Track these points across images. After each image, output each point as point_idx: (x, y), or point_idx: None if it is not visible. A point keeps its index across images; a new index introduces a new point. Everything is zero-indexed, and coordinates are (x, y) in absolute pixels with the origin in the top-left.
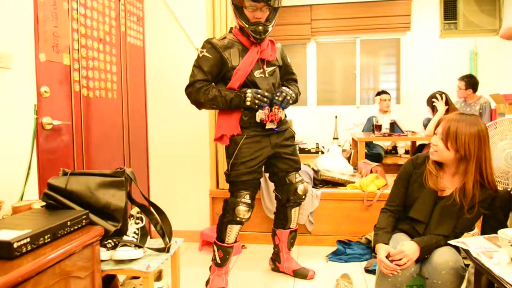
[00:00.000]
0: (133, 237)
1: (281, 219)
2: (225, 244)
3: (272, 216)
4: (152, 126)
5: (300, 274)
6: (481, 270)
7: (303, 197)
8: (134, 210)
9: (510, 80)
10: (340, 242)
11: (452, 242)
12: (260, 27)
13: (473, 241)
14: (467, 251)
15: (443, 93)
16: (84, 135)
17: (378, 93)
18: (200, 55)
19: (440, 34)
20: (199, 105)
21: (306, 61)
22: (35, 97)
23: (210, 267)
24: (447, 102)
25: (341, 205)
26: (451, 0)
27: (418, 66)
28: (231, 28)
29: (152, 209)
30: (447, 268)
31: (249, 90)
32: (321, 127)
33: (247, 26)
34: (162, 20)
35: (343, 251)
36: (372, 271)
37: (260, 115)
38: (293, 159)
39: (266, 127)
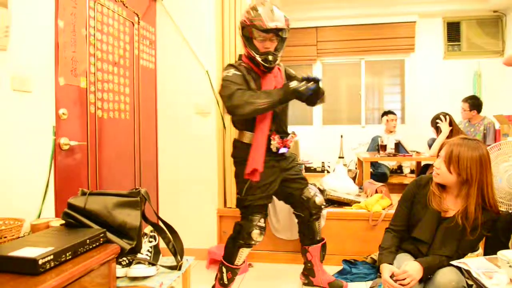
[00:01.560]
0: (147, 255)
1: (308, 234)
2: (234, 266)
3: (279, 236)
4: (162, 146)
5: (336, 285)
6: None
7: (322, 207)
8: (148, 229)
9: None
10: (346, 261)
11: (454, 262)
12: (270, 57)
13: (474, 262)
14: (468, 272)
15: (447, 114)
16: (98, 155)
17: (385, 113)
18: (230, 74)
19: (444, 56)
20: (246, 107)
21: None
22: (54, 119)
23: (213, 286)
24: (451, 123)
25: (347, 224)
26: (454, 23)
27: (422, 87)
28: (240, 56)
29: (164, 228)
30: (448, 285)
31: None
32: (327, 146)
33: (257, 56)
34: (173, 44)
35: (348, 271)
36: None
37: (275, 144)
38: (301, 177)
39: (280, 152)
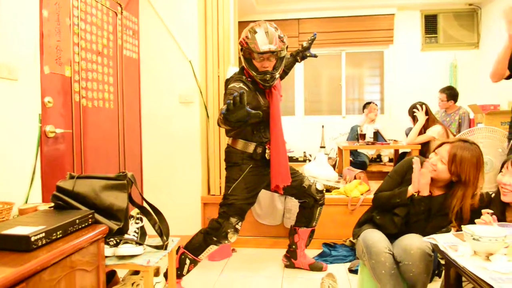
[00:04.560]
0: (134, 235)
1: (306, 217)
2: (198, 259)
3: (262, 221)
4: (146, 135)
5: (316, 267)
6: (448, 262)
7: (324, 192)
8: (134, 211)
9: (486, 92)
10: (325, 244)
11: (424, 238)
12: (268, 76)
13: (441, 237)
14: (435, 245)
15: (423, 103)
16: (82, 143)
17: (367, 104)
18: (237, 86)
19: (421, 48)
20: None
21: (294, 72)
22: (40, 107)
23: (165, 273)
24: (427, 112)
25: (327, 209)
26: (431, 15)
27: (401, 78)
28: (242, 68)
29: (150, 210)
30: (415, 248)
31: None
32: (309, 136)
33: (255, 74)
34: (156, 34)
35: (328, 253)
36: (355, 271)
37: (269, 153)
38: (295, 171)
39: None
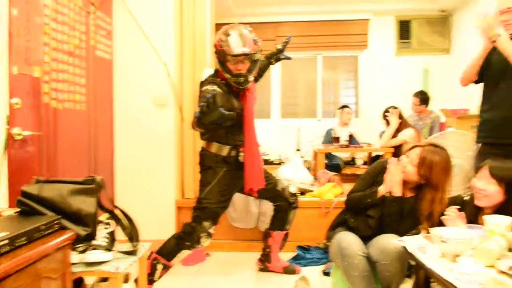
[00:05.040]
0: (103, 241)
1: (280, 220)
2: (170, 264)
3: (236, 225)
4: (119, 137)
5: (290, 270)
6: (417, 264)
7: (297, 195)
8: (103, 216)
9: (457, 96)
10: (300, 247)
11: (393, 241)
12: (241, 79)
13: (411, 239)
14: (404, 248)
15: (396, 107)
16: (52, 145)
17: (342, 107)
18: (210, 89)
19: (395, 53)
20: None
21: (270, 75)
22: (7, 109)
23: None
24: (400, 116)
25: (301, 212)
26: (405, 21)
27: (375, 82)
28: (217, 71)
29: (120, 215)
30: (392, 248)
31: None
32: (285, 139)
33: (229, 77)
34: (130, 35)
35: (302, 256)
36: (328, 274)
37: (243, 156)
38: (269, 175)
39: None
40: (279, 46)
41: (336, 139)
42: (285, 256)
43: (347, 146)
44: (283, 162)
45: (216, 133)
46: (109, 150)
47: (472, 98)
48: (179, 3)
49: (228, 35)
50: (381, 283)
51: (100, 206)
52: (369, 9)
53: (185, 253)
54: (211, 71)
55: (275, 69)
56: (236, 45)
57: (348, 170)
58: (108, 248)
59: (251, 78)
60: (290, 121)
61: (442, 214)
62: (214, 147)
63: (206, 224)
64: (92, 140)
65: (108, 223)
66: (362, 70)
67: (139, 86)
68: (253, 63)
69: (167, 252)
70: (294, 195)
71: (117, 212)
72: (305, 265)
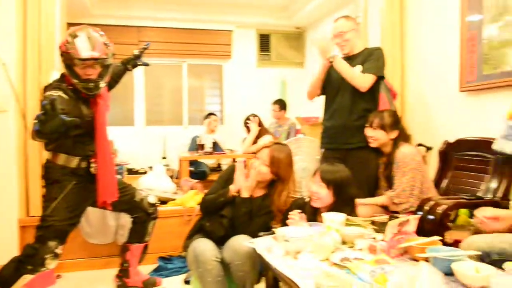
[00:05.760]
0: None
1: (138, 232)
2: None
3: (92, 241)
4: None
5: (150, 283)
6: (265, 264)
7: (156, 205)
8: None
9: (310, 105)
10: (161, 258)
11: (245, 243)
12: (91, 84)
13: (260, 240)
14: (254, 249)
15: (256, 115)
16: None
17: (208, 115)
18: (55, 94)
19: (256, 64)
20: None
21: (133, 81)
22: None
23: None
24: (260, 124)
25: (163, 222)
26: (265, 35)
27: (238, 91)
28: (63, 76)
29: None
30: (243, 247)
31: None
32: (150, 147)
33: (77, 82)
34: None
35: (164, 267)
36: (189, 282)
37: (96, 167)
38: (125, 185)
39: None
40: (136, 52)
41: (201, 146)
42: (146, 268)
43: (211, 153)
44: (147, 172)
45: (63, 143)
46: None
47: (322, 107)
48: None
49: (75, 37)
50: (237, 284)
51: None
52: (232, 20)
53: (27, 278)
54: (58, 75)
55: (138, 75)
56: (83, 48)
57: (214, 176)
58: None
59: (102, 84)
60: (155, 129)
61: (289, 209)
62: (61, 159)
63: (51, 244)
64: None
65: None
66: (227, 79)
67: None
68: (104, 68)
69: (4, 280)
70: (153, 205)
71: None
72: (167, 276)
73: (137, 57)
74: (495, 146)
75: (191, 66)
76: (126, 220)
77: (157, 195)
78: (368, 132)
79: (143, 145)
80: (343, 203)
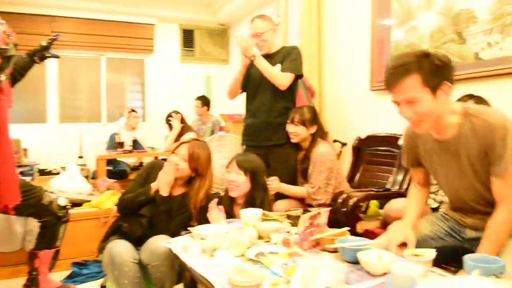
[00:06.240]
0: None
1: (48, 237)
2: None
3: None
4: None
5: None
6: (181, 264)
7: (67, 207)
8: None
9: (235, 103)
10: (75, 264)
11: (162, 243)
12: None
13: (178, 240)
14: (170, 249)
15: (179, 112)
16: None
17: (129, 111)
18: None
19: (180, 60)
20: None
21: (45, 75)
22: None
23: None
24: (182, 121)
25: (77, 225)
26: (189, 30)
27: (161, 87)
28: None
29: None
30: (160, 247)
31: None
32: (65, 146)
33: None
34: None
35: (79, 273)
36: (105, 287)
37: None
38: (31, 187)
39: None
40: (44, 43)
41: (120, 144)
42: (58, 275)
43: (130, 152)
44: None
45: None
46: None
47: (244, 105)
48: None
49: None
50: (155, 285)
51: None
52: (154, 14)
53: None
54: None
55: (51, 68)
56: None
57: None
58: None
59: (2, 77)
60: (71, 126)
61: (205, 203)
62: None
63: None
64: None
65: None
66: (149, 74)
67: None
68: (5, 60)
69: None
70: (64, 207)
71: None
72: (82, 282)
73: (45, 48)
74: (400, 142)
75: (111, 60)
76: (34, 224)
77: (70, 197)
78: (290, 128)
79: (57, 143)
80: (258, 189)
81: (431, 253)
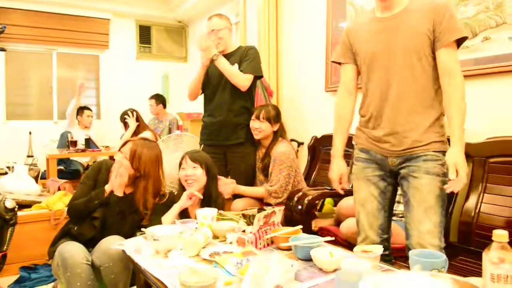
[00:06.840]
0: None
1: None
2: None
3: None
4: None
5: None
6: (134, 266)
7: (16, 209)
8: None
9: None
10: (24, 268)
11: (114, 246)
12: None
13: (131, 241)
14: (123, 251)
15: (134, 110)
16: None
17: (81, 109)
18: None
19: (136, 56)
20: None
21: None
22: None
23: None
24: (138, 119)
25: (25, 228)
26: (146, 26)
27: (116, 84)
28: None
29: None
30: (113, 249)
31: None
32: (13, 145)
33: None
34: None
35: (27, 277)
36: None
37: None
38: None
39: None
40: None
41: (73, 143)
42: (5, 280)
43: (83, 151)
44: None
45: None
46: None
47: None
48: None
49: None
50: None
51: None
52: (109, 8)
53: None
54: None
55: None
56: None
57: None
58: None
59: None
60: (19, 123)
61: (160, 210)
62: None
63: None
64: None
65: None
66: (104, 70)
67: None
68: None
69: None
70: (11, 210)
71: None
72: (31, 287)
73: None
74: (353, 141)
75: (63, 55)
76: None
77: (18, 198)
78: (255, 124)
79: (4, 142)
80: (213, 181)
81: (378, 249)
